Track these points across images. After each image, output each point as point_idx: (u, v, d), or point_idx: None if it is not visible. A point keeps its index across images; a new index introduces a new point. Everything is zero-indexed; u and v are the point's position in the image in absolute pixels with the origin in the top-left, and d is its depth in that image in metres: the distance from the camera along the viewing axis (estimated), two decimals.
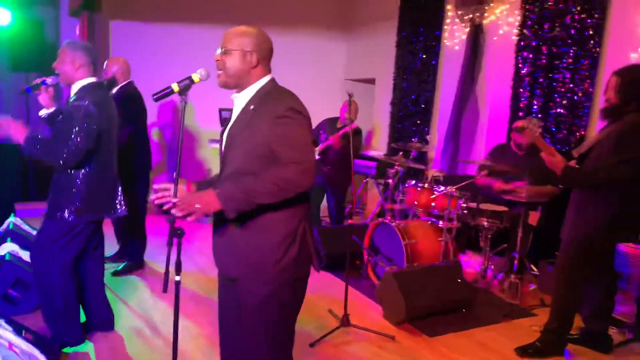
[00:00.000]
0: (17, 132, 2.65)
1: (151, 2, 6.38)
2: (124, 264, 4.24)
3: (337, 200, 5.25)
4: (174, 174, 1.89)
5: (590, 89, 4.34)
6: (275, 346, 1.92)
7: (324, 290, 4.03)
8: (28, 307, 3.33)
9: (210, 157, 6.81)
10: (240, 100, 1.93)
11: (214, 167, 6.86)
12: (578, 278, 3.07)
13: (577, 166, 3.00)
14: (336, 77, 7.52)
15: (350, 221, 3.52)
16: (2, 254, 3.38)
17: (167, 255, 1.88)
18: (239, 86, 1.92)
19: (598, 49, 4.30)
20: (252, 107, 1.86)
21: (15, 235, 3.83)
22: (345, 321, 3.37)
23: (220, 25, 6.47)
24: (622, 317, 3.52)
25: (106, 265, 3.31)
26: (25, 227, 4.09)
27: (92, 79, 2.83)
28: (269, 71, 1.95)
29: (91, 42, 5.62)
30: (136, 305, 3.66)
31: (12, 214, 4.28)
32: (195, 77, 1.89)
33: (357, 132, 5.03)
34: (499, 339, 3.37)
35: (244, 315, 1.90)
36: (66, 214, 2.73)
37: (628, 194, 2.88)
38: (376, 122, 7.16)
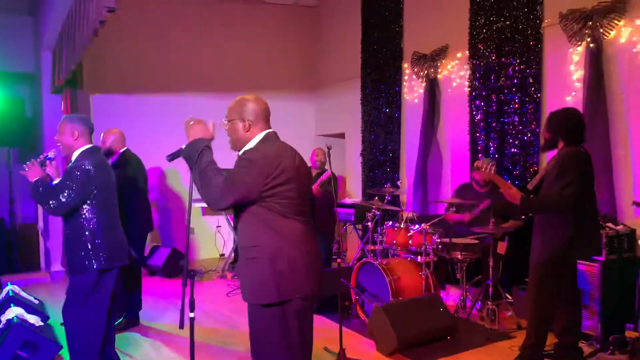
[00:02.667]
0: (33, 173, 3.00)
1: (126, 76, 6.87)
2: (120, 319, 4.38)
3: (326, 243, 5.57)
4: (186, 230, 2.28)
5: (537, 129, 4.91)
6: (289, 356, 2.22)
7: (317, 332, 4.23)
8: None
9: (194, 217, 7.08)
10: None
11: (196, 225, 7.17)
12: (547, 296, 3.43)
13: (532, 196, 3.47)
14: (308, 134, 8.05)
15: (339, 260, 3.83)
16: (10, 317, 3.53)
17: (182, 294, 2.21)
18: (241, 148, 2.30)
19: (539, 94, 4.91)
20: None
21: (17, 301, 3.98)
22: (341, 356, 3.61)
23: (193, 93, 7.08)
24: (589, 330, 3.89)
25: None
26: (24, 294, 4.22)
27: (90, 145, 3.15)
28: (267, 127, 2.32)
29: None
30: (141, 357, 3.83)
31: (9, 283, 4.42)
32: None
33: (334, 177, 5.46)
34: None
35: (255, 330, 2.24)
36: (94, 264, 2.96)
37: (580, 216, 3.32)
38: (348, 172, 7.63)
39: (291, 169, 2.21)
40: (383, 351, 3.80)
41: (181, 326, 2.27)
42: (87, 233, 2.98)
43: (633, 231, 4.02)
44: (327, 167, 5.36)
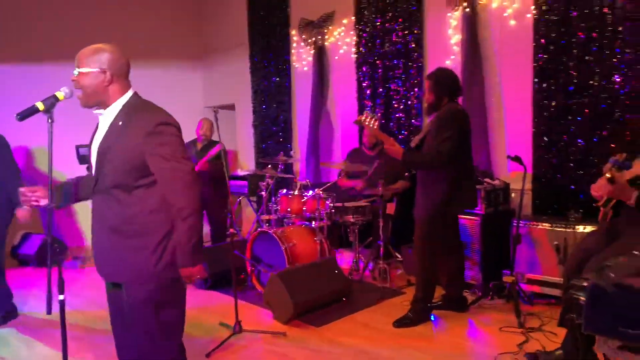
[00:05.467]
0: None
1: None
2: None
3: (218, 218, 5.38)
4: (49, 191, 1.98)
5: (420, 94, 5.08)
6: (166, 340, 2.07)
7: (212, 307, 4.14)
8: None
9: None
10: (106, 117, 2.03)
11: (81, 210, 6.55)
12: (432, 250, 3.60)
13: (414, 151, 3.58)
14: (196, 106, 7.65)
15: (231, 231, 3.68)
16: None
17: (48, 274, 1.93)
18: (100, 104, 2.02)
19: (421, 59, 5.07)
20: (120, 122, 1.98)
21: None
22: (237, 328, 3.51)
23: (64, 62, 6.33)
24: (471, 280, 4.16)
25: None
26: None
27: None
28: (129, 86, 2.06)
29: None
30: (12, 357, 3.42)
31: None
32: (60, 94, 1.97)
33: (224, 150, 5.25)
34: (377, 318, 3.77)
35: (132, 317, 2.02)
36: None
37: (458, 172, 3.48)
38: (240, 145, 7.42)
39: None
40: (280, 319, 3.76)
41: (48, 311, 1.99)
42: None
43: (507, 185, 4.34)
44: (215, 138, 5.15)
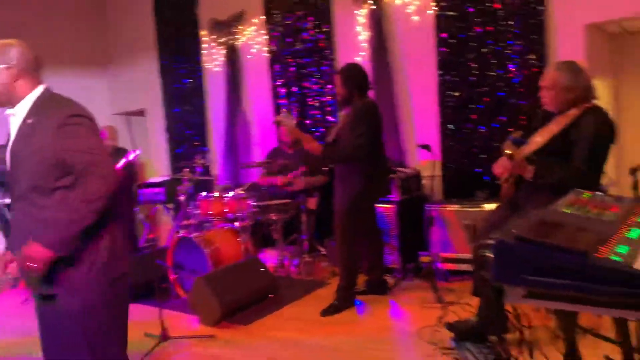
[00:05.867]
0: None
1: None
2: None
3: (128, 227, 5.16)
4: None
5: (333, 90, 5.20)
6: (104, 351, 1.95)
7: (136, 320, 3.93)
8: None
9: None
10: (17, 116, 1.92)
11: None
12: (352, 239, 3.70)
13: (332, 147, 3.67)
14: (103, 113, 7.26)
15: (151, 236, 3.56)
16: None
17: None
18: (9, 102, 1.90)
19: (332, 56, 5.19)
20: (30, 120, 1.87)
21: None
22: (163, 336, 3.40)
23: None
24: (392, 264, 4.32)
25: None
26: None
27: None
28: (38, 82, 1.95)
29: None
30: None
31: None
32: None
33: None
34: (305, 310, 3.81)
35: (66, 329, 1.88)
36: None
37: (372, 163, 3.61)
38: (152, 151, 7.16)
39: None
40: (208, 322, 3.68)
41: None
42: None
43: (418, 172, 4.56)
44: (126, 145, 4.95)
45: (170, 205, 6.16)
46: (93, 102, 7.01)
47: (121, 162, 4.84)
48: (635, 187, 2.52)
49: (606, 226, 1.39)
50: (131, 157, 4.91)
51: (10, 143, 1.90)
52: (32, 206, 1.84)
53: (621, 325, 1.66)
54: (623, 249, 1.23)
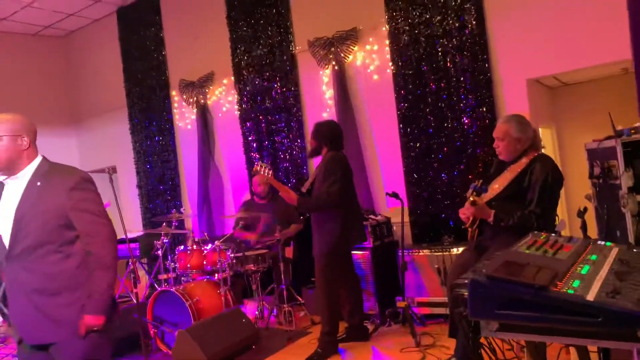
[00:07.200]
0: None
1: None
2: None
3: None
4: None
5: (303, 144, 5.50)
6: None
7: None
8: None
9: None
10: (17, 182, 2.06)
11: None
12: (333, 285, 3.88)
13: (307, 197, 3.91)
14: None
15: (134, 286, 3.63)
16: None
17: None
18: (10, 170, 2.05)
19: (300, 113, 5.52)
20: (38, 183, 2.04)
21: None
22: None
23: None
24: (370, 310, 4.50)
25: None
26: None
27: None
28: (37, 151, 2.14)
29: None
30: None
31: None
32: None
33: None
34: (289, 358, 3.92)
35: None
36: None
37: (346, 210, 3.85)
38: (124, 207, 7.19)
39: None
40: None
41: None
42: None
43: (388, 219, 4.83)
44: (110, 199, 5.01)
45: (144, 260, 6.19)
46: (63, 159, 7.14)
47: None
48: (584, 227, 2.83)
49: (561, 264, 1.64)
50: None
51: (10, 207, 2.02)
52: (37, 261, 2.00)
53: (583, 354, 1.89)
54: (576, 283, 1.48)
